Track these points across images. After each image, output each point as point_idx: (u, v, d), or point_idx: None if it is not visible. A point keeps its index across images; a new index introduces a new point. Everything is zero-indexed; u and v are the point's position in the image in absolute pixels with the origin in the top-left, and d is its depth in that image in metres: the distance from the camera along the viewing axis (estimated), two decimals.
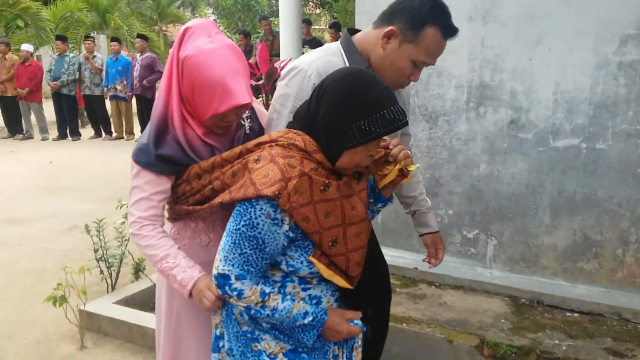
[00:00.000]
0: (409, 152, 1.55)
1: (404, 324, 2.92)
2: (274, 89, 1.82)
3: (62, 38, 11.12)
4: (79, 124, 11.32)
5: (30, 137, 11.11)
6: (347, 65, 1.72)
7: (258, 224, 1.36)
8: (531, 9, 3.14)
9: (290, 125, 1.52)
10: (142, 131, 10.30)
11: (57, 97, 10.73)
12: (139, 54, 10.25)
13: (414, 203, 2.15)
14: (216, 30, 1.61)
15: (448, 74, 3.40)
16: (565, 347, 2.71)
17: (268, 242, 1.37)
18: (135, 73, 10.03)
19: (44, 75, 10.88)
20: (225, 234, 1.42)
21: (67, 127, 10.87)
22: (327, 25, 12.62)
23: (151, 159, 1.60)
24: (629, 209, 3.07)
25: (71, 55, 10.84)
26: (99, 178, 7.24)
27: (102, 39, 17.98)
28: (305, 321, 1.44)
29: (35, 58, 11.48)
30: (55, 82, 10.52)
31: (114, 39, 11.11)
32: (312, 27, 13.85)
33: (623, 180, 3.06)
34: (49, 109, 11.26)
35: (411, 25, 1.66)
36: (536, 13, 3.13)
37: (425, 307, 3.13)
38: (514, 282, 3.31)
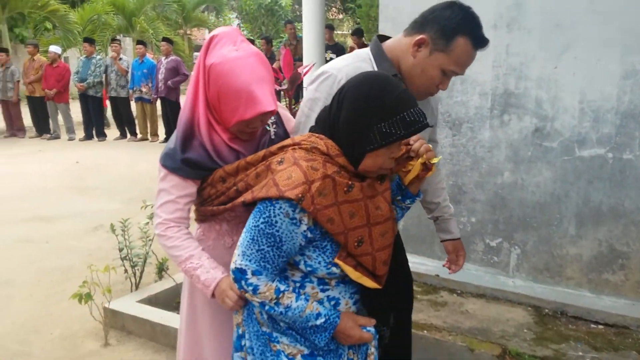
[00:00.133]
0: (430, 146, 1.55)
1: (425, 331, 2.91)
2: (297, 93, 1.84)
3: (89, 40, 11.34)
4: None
5: (58, 137, 11.34)
6: None
7: (276, 222, 1.38)
8: (557, 17, 3.12)
9: (312, 130, 1.54)
10: (166, 133, 10.48)
11: (84, 98, 10.94)
12: (164, 57, 10.40)
13: (437, 209, 2.16)
14: (241, 38, 1.65)
15: (472, 81, 3.40)
16: (590, 359, 2.69)
17: (285, 241, 1.40)
18: (160, 76, 10.17)
19: (71, 77, 11.10)
20: (244, 230, 1.45)
21: (93, 128, 11.08)
22: (350, 32, 12.65)
23: (178, 164, 1.65)
24: None
25: (98, 57, 11.05)
26: (125, 179, 7.35)
27: (128, 42, 18.29)
28: (318, 322, 1.45)
29: (62, 60, 11.71)
30: (82, 84, 10.73)
31: (139, 42, 11.29)
32: (335, 32, 13.91)
33: None
34: (76, 110, 11.48)
35: (442, 34, 1.67)
36: (562, 21, 3.12)
37: (446, 315, 3.12)
38: (538, 292, 3.29)
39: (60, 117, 11.34)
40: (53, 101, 11.03)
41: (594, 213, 3.17)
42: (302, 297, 1.46)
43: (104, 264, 3.05)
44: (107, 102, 11.15)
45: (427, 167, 1.54)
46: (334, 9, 20.92)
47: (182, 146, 1.65)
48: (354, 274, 1.45)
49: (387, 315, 1.62)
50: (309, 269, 1.45)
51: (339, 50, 9.90)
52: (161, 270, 3.67)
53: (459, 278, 3.33)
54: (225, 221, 1.75)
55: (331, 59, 8.38)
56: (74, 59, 16.30)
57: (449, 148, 3.53)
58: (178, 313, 2.34)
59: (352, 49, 10.11)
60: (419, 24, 1.74)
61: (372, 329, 1.53)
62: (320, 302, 1.49)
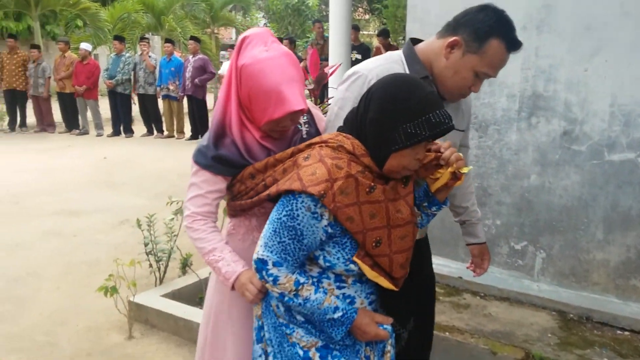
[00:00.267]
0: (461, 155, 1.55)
1: (447, 333, 2.90)
2: (322, 93, 1.86)
3: (119, 38, 11.54)
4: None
5: (86, 132, 11.56)
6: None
7: (298, 215, 1.41)
8: (588, 19, 3.08)
9: (340, 129, 1.56)
10: (192, 130, 10.60)
11: (113, 95, 11.15)
12: (191, 56, 10.51)
13: (465, 213, 2.14)
14: (272, 39, 1.68)
15: (500, 83, 3.36)
16: None
17: (306, 235, 1.42)
18: (188, 74, 10.29)
19: (101, 74, 11.28)
20: (268, 222, 1.49)
21: (121, 124, 11.26)
22: (376, 33, 12.61)
23: (209, 160, 1.70)
24: None
25: (127, 55, 11.22)
26: (151, 175, 7.46)
27: (156, 40, 18.53)
28: (335, 316, 1.47)
29: (93, 57, 11.92)
30: (110, 81, 10.91)
31: (167, 40, 11.41)
32: (361, 33, 13.89)
33: None
34: (104, 106, 11.69)
35: (475, 36, 1.67)
36: (593, 24, 3.07)
37: (469, 317, 3.10)
38: (563, 297, 3.24)
39: (89, 113, 11.56)
40: (82, 97, 11.24)
41: (623, 218, 3.11)
42: (321, 290, 1.49)
43: (129, 258, 3.11)
44: (135, 99, 11.32)
45: (456, 176, 1.54)
46: (360, 9, 20.89)
47: (214, 144, 1.70)
48: (370, 273, 1.46)
49: (405, 318, 1.62)
50: (327, 264, 1.48)
51: (364, 50, 9.89)
52: (185, 265, 3.72)
53: (483, 281, 3.31)
54: (254, 217, 1.79)
55: (356, 59, 8.38)
56: (104, 56, 16.60)
57: (475, 150, 3.51)
58: (201, 308, 2.37)
59: (377, 50, 10.10)
60: (452, 27, 1.74)
61: (389, 327, 1.54)
62: (336, 298, 1.50)
